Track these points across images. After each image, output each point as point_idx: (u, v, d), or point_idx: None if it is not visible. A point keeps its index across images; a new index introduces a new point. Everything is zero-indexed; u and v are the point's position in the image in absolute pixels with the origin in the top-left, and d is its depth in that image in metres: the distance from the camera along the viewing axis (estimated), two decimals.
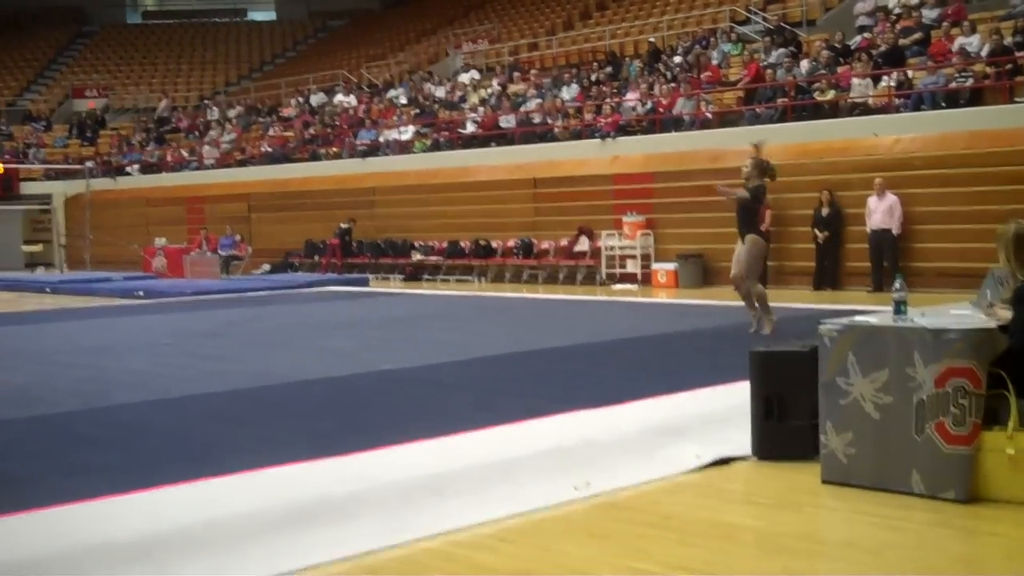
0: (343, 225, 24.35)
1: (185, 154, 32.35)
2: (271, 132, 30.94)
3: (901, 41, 19.18)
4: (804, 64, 20.22)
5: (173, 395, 8.45)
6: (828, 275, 17.17)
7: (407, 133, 26.01)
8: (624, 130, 21.32)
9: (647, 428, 6.78)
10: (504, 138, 23.62)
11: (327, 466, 5.85)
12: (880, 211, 16.30)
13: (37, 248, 31.44)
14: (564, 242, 20.82)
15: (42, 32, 44.29)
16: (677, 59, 23.30)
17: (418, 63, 33.07)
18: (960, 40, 18.30)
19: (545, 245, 21.27)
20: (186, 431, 7.11)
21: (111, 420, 7.52)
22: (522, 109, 24.25)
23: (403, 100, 28.68)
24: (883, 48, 19.05)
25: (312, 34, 44.61)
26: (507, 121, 24.01)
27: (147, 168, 33.01)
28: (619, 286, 19.39)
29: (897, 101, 18.06)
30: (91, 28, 45.81)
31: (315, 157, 27.73)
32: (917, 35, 19.33)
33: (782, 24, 22.99)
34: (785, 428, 6.00)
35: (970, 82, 17.37)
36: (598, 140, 21.36)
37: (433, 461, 5.97)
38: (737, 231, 11.61)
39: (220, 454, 6.22)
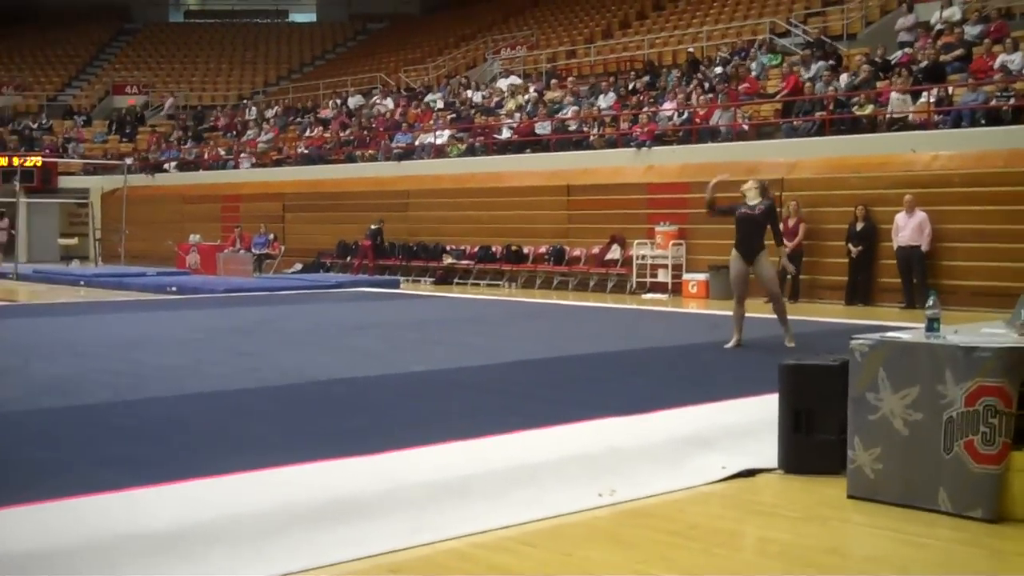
0: (373, 226, 24.46)
1: (222, 152, 32.60)
2: (308, 133, 31.12)
3: (942, 57, 19.07)
4: (843, 78, 20.13)
5: (205, 390, 8.52)
6: (861, 290, 17.08)
7: (443, 137, 26.09)
8: (660, 139, 21.30)
9: (674, 437, 6.77)
10: (539, 144, 23.66)
11: (354, 465, 5.87)
12: (910, 228, 16.18)
13: (73, 241, 31.77)
14: (596, 250, 20.82)
15: (86, 28, 44.79)
16: (717, 70, 23.24)
17: (456, 68, 33.18)
18: (1002, 57, 18.16)
19: (577, 252, 21.27)
20: (217, 426, 7.16)
21: (144, 413, 7.58)
22: (558, 116, 24.28)
23: (440, 104, 28.78)
24: (924, 64, 18.94)
25: (352, 37, 44.86)
26: (543, 128, 24.04)
27: (184, 165, 33.30)
28: (649, 295, 19.36)
29: (936, 118, 17.94)
30: (134, 26, 46.29)
31: (351, 159, 27.87)
32: (958, 51, 19.20)
33: (822, 37, 22.90)
34: (813, 442, 5.99)
35: (1011, 100, 17.22)
36: (633, 149, 21.35)
37: (459, 463, 5.98)
38: (747, 246, 11.30)
39: (249, 450, 6.27)
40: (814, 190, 18.05)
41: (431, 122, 27.34)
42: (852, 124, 18.85)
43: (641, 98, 23.54)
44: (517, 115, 25.46)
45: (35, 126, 37.01)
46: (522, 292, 20.72)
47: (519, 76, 29.30)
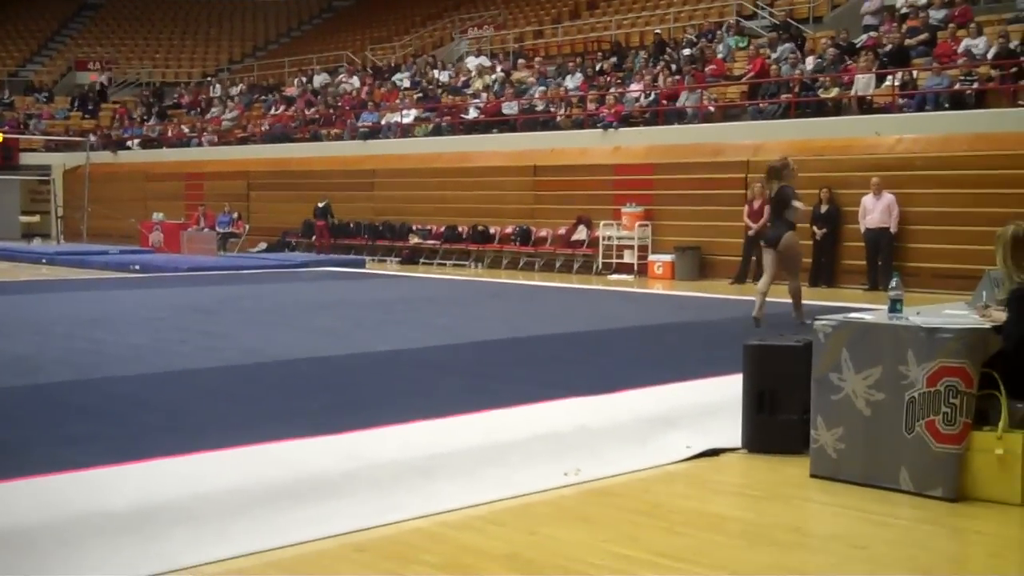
0: (320, 205, 24.43)
1: (186, 130, 32.30)
2: (273, 111, 30.89)
3: (907, 41, 19.17)
4: (809, 61, 20.20)
5: (167, 369, 8.46)
6: (824, 272, 17.19)
7: (409, 117, 25.98)
8: (627, 121, 21.31)
9: (640, 417, 6.80)
10: (506, 125, 23.60)
11: (318, 444, 5.86)
12: (878, 210, 16.34)
13: (34, 219, 31.43)
14: (562, 230, 20.83)
15: (47, 3, 44.15)
16: (685, 52, 23.26)
17: (423, 47, 33.02)
18: (966, 42, 18.29)
19: (543, 233, 21.27)
20: (180, 405, 7.12)
21: (106, 392, 7.52)
22: (525, 96, 24.23)
23: (406, 84, 28.64)
24: (888, 47, 19.04)
25: (317, 14, 44.51)
26: (510, 108, 23.99)
27: (148, 143, 32.97)
28: (615, 276, 19.41)
29: (901, 101, 18.06)
30: (97, 1, 45.67)
31: (316, 137, 27.70)
32: (923, 36, 19.31)
33: (788, 20, 22.96)
34: (776, 422, 6.03)
35: (975, 85, 17.36)
36: (600, 130, 21.35)
37: (426, 443, 5.98)
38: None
39: (212, 429, 6.24)
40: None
41: (397, 101, 27.21)
42: (817, 107, 18.94)
43: (608, 79, 23.53)
44: (484, 95, 25.38)
45: None
46: (488, 272, 20.70)
47: (486, 56, 29.19)
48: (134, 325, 11.42)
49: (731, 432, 6.23)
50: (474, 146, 23.34)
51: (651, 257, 19.33)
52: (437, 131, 25.04)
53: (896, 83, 18.21)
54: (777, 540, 4.69)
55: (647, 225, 19.71)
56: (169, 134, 32.64)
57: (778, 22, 23.02)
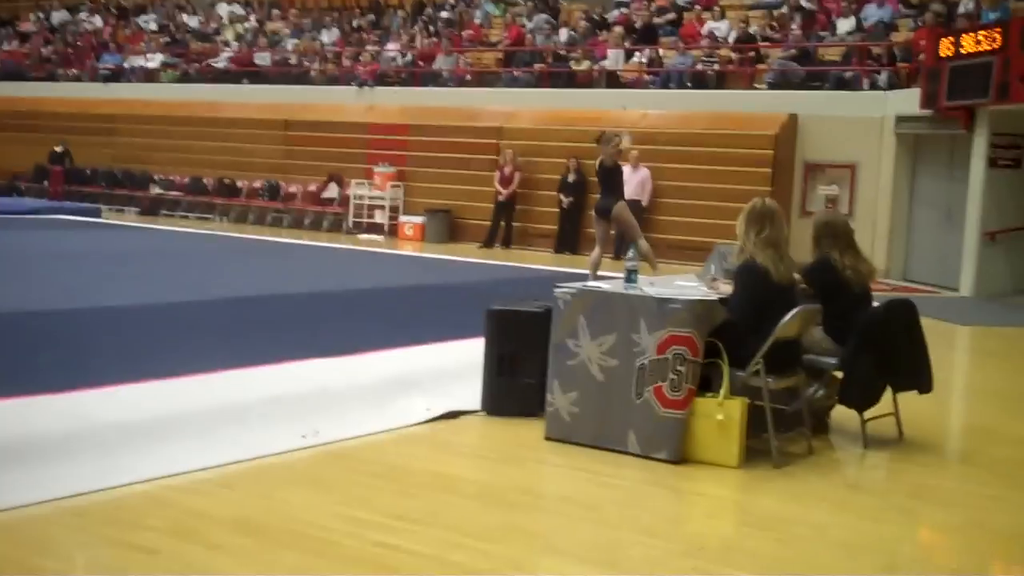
0: (57, 149, 23.18)
1: None
2: (5, 46, 28.84)
3: (655, 20, 19.84)
4: (563, 32, 20.61)
5: None
6: (569, 240, 17.65)
7: (155, 61, 24.84)
8: (382, 80, 21.14)
9: (381, 379, 6.78)
10: (258, 76, 22.94)
11: (38, 403, 5.53)
12: (633, 183, 16.68)
13: None
14: (313, 187, 20.50)
15: None
16: (443, 14, 23.25)
17: None
18: (710, 24, 19.13)
19: (293, 189, 20.87)
20: None
21: None
22: (278, 48, 23.61)
23: (153, 26, 27.36)
24: (638, 25, 19.65)
25: None
26: (262, 59, 23.32)
27: None
28: (365, 236, 19.29)
29: (647, 77, 18.70)
30: None
31: (52, 77, 26.09)
32: (670, 15, 20.03)
33: None
34: (515, 385, 6.14)
35: (716, 66, 18.18)
36: (355, 87, 21.09)
37: (158, 403, 5.76)
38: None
39: None
40: (530, 140, 18.46)
41: (142, 44, 25.95)
42: (569, 78, 19.37)
43: (365, 36, 23.25)
44: (235, 44, 24.56)
45: None
46: (234, 227, 20.13)
47: (239, 4, 28.24)
48: None
49: (472, 395, 6.30)
50: (224, 96, 22.56)
51: (402, 218, 19.31)
52: (185, 78, 24.06)
53: (644, 60, 18.83)
54: (510, 501, 4.78)
55: (399, 186, 19.67)
56: None
57: None
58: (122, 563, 3.83)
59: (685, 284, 6.09)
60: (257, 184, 21.19)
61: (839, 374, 6.02)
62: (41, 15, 30.37)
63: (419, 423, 5.94)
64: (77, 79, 25.59)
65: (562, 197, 17.55)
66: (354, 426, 5.73)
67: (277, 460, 5.14)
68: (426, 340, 8.07)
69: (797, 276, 5.84)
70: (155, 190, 22.36)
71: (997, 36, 13.08)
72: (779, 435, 5.52)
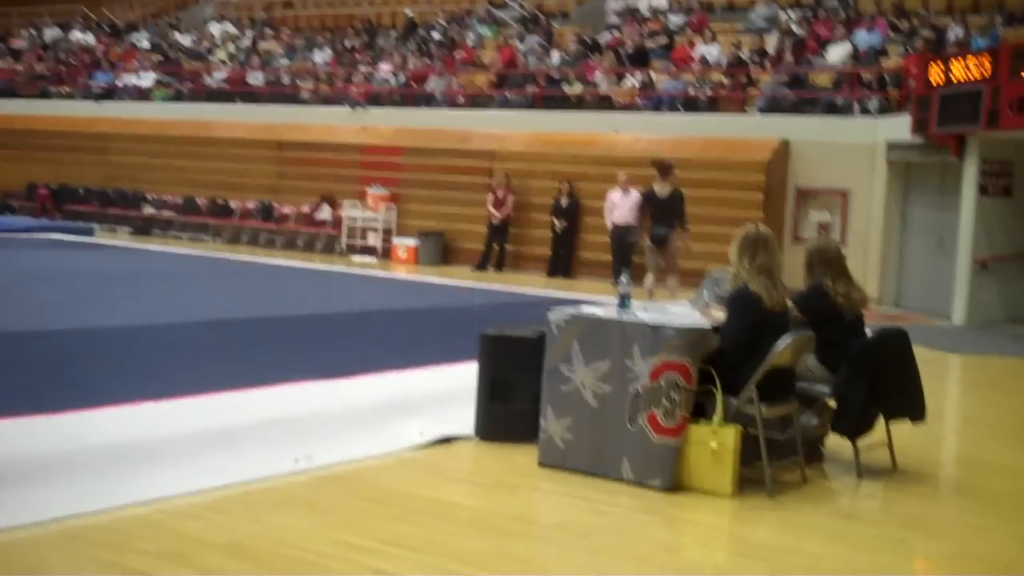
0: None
1: None
2: None
3: (647, 43, 19.91)
4: (555, 55, 20.68)
5: None
6: (563, 263, 17.64)
7: (147, 79, 24.85)
8: (375, 101, 21.18)
9: (375, 403, 6.77)
10: (251, 96, 22.97)
11: (30, 424, 5.52)
12: (626, 207, 16.48)
13: None
14: (306, 208, 20.49)
15: None
16: (436, 35, 23.33)
17: (165, 7, 31.63)
18: (701, 48, 19.20)
19: (286, 210, 20.84)
20: None
21: None
22: (272, 67, 23.65)
23: (146, 44, 27.38)
24: (630, 49, 19.72)
25: None
26: (255, 79, 23.35)
27: None
28: (359, 258, 19.27)
29: (640, 101, 18.75)
30: None
31: (45, 95, 26.08)
32: (662, 39, 20.10)
33: (537, 12, 23.42)
34: (509, 411, 6.13)
35: (708, 91, 18.23)
36: (348, 108, 21.13)
37: (151, 425, 5.74)
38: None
39: None
40: (523, 163, 18.50)
41: (135, 62, 25.97)
42: (561, 101, 19.41)
43: (358, 57, 23.30)
44: (229, 63, 24.60)
45: None
46: (227, 248, 20.10)
47: (232, 23, 28.30)
48: None
49: (466, 419, 6.30)
50: (216, 116, 22.58)
51: (395, 240, 19.30)
52: (178, 97, 24.07)
53: (636, 83, 18.89)
54: (503, 528, 4.78)
55: (393, 208, 19.66)
56: None
57: (527, 14, 23.43)
58: None
59: (679, 311, 6.10)
60: (250, 204, 21.16)
61: (832, 402, 6.03)
62: (33, 32, 30.39)
63: (414, 448, 5.93)
64: (69, 97, 25.58)
65: (555, 221, 17.54)
66: (349, 450, 5.72)
67: (270, 484, 5.13)
68: (420, 364, 8.06)
69: (790, 303, 5.85)
70: (148, 210, 22.32)
71: (987, 63, 13.12)
72: (773, 463, 5.51)
